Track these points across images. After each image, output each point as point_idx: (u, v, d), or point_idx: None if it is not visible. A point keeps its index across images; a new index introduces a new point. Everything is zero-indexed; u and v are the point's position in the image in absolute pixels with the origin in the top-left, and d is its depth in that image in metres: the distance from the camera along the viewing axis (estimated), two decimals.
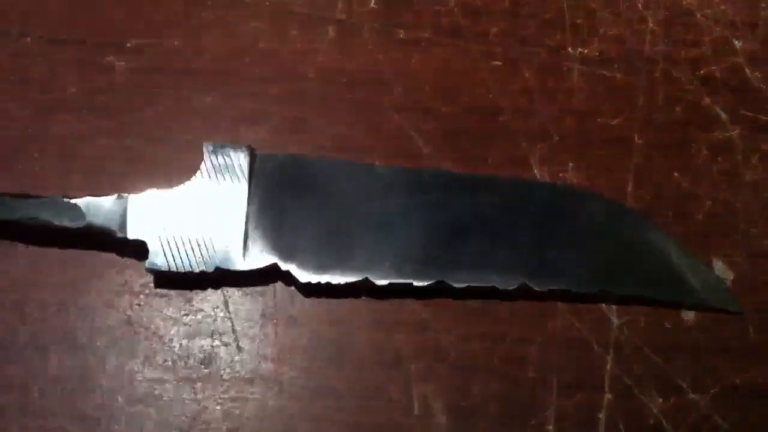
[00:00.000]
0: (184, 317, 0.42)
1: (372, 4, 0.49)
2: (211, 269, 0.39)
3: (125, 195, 0.40)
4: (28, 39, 0.46)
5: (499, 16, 0.49)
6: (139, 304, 0.42)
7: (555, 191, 0.44)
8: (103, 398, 0.41)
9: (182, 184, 0.40)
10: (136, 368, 0.42)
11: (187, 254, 0.39)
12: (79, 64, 0.46)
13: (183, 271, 0.39)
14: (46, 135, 0.45)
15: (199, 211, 0.40)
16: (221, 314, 0.42)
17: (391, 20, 0.49)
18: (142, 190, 0.41)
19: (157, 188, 0.40)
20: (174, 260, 0.39)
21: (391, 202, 0.42)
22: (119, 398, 0.41)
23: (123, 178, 0.43)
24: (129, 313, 0.42)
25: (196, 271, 0.39)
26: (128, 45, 0.46)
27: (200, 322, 0.42)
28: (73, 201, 0.40)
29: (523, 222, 0.43)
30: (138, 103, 0.46)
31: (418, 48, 0.47)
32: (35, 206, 0.40)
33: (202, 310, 0.43)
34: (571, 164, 0.46)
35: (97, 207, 0.40)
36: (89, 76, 0.46)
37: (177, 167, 0.43)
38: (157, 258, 0.39)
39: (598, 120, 0.47)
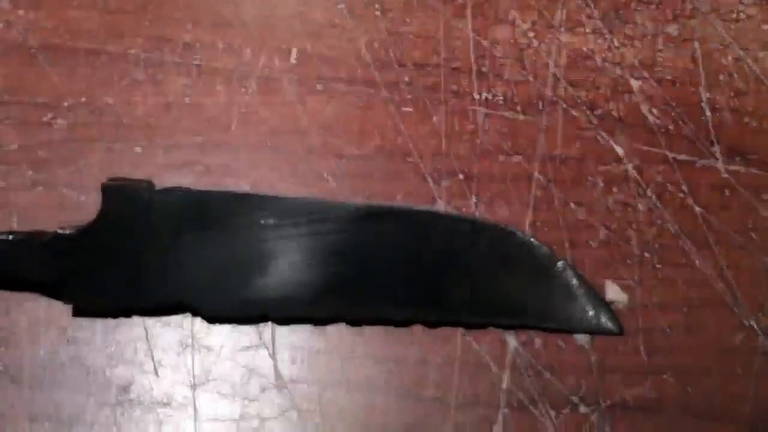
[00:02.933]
0: (107, 348, 0.46)
1: (292, 59, 0.53)
2: (120, 307, 0.44)
3: (36, 234, 0.45)
4: None
5: (410, 67, 0.53)
6: (66, 336, 0.46)
7: (452, 222, 0.48)
8: (32, 424, 0.45)
9: (89, 223, 0.43)
10: (62, 397, 0.46)
11: (97, 292, 0.43)
12: (20, 123, 0.51)
13: (94, 309, 0.44)
14: None
15: (106, 248, 0.43)
16: (142, 346, 0.47)
17: (310, 74, 0.53)
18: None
19: (63, 228, 0.43)
20: (86, 299, 0.44)
21: (288, 233, 0.45)
22: (46, 424, 0.45)
23: (53, 226, 0.47)
24: (56, 349, 0.47)
25: (106, 309, 0.44)
26: (65, 104, 0.51)
27: (122, 353, 0.46)
28: None
29: (418, 254, 0.46)
30: (72, 155, 0.50)
31: (333, 97, 0.53)
32: None
33: (123, 341, 0.46)
34: (473, 199, 0.51)
35: (11, 247, 0.44)
36: (30, 134, 0.51)
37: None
38: (71, 295, 0.44)
39: (501, 158, 0.52)
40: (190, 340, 0.47)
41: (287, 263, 0.45)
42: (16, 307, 0.48)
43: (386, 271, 0.46)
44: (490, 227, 0.49)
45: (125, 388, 0.46)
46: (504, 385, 0.44)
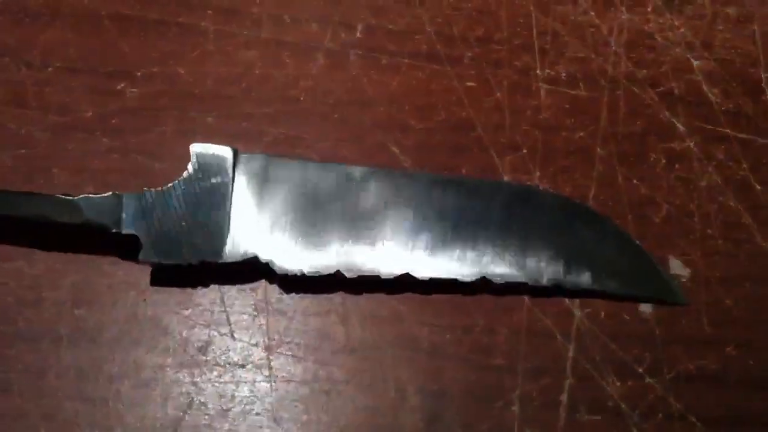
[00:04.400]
0: (184, 311, 0.48)
1: (358, 34, 0.55)
2: (196, 262, 0.45)
3: (120, 194, 0.47)
4: (50, 69, 0.54)
5: (473, 43, 0.55)
6: (144, 300, 0.48)
7: (518, 191, 0.49)
8: (111, 383, 0.47)
9: (171, 184, 0.45)
10: (140, 356, 0.47)
11: (174, 248, 0.45)
12: (93, 90, 0.53)
13: (171, 263, 0.45)
14: (65, 152, 0.51)
15: (186, 208, 0.45)
16: (218, 309, 0.49)
17: (375, 48, 0.55)
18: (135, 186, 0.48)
19: (148, 188, 0.46)
20: (163, 253, 0.45)
21: (362, 200, 0.47)
22: (125, 382, 0.47)
23: (126, 190, 0.49)
24: (134, 309, 0.49)
25: (184, 264, 0.45)
26: (138, 74, 0.53)
27: (199, 315, 0.48)
28: (72, 199, 0.47)
29: (485, 220, 0.48)
30: (145, 124, 0.52)
31: (398, 72, 0.54)
32: (37, 202, 0.45)
33: (200, 304, 0.49)
34: (537, 173, 0.51)
35: (94, 204, 0.47)
36: (103, 101, 0.53)
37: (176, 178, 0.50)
38: (148, 251, 0.45)
39: (563, 134, 0.52)
40: (264, 305, 0.49)
41: (362, 227, 0.47)
42: (96, 270, 0.49)
43: (451, 236, 0.48)
44: (556, 198, 0.50)
45: (203, 350, 0.48)
46: (570, 355, 0.45)
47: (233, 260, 0.45)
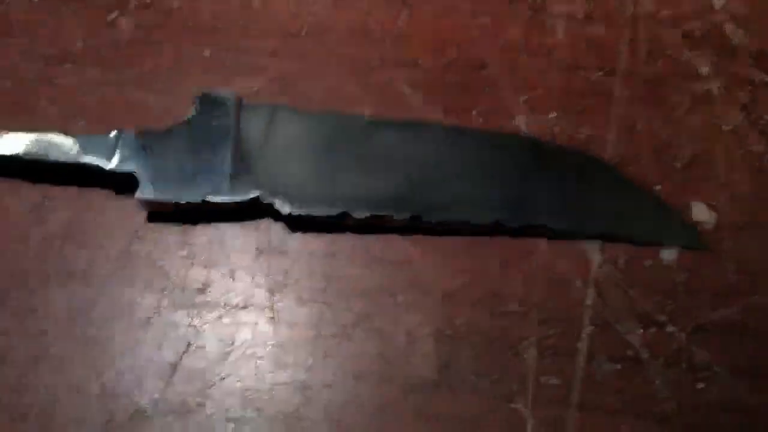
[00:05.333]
0: (181, 250, 0.46)
1: None
2: (197, 200, 0.44)
3: (117, 131, 0.46)
4: (41, 1, 0.52)
5: None
6: (139, 237, 0.46)
7: (531, 143, 0.49)
8: (104, 324, 0.45)
9: (173, 125, 0.45)
10: (134, 296, 0.45)
11: (174, 186, 0.44)
12: (85, 20, 0.51)
13: (171, 201, 0.44)
14: (54, 85, 0.49)
15: (187, 148, 0.45)
16: (217, 247, 0.47)
17: None
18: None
19: (147, 127, 0.45)
20: (162, 191, 0.44)
21: (372, 147, 0.47)
22: (119, 324, 0.45)
23: (122, 125, 0.48)
24: (129, 246, 0.47)
25: (183, 202, 0.44)
26: (130, 5, 0.51)
27: (197, 254, 0.47)
28: (68, 136, 0.46)
29: (498, 169, 0.48)
30: (139, 57, 0.51)
31: (407, 5, 0.52)
32: (32, 141, 0.45)
33: (198, 243, 0.47)
34: (553, 114, 0.50)
35: (91, 142, 0.46)
36: (95, 32, 0.51)
37: (174, 115, 0.47)
38: (146, 189, 0.44)
39: (581, 73, 0.51)
40: (267, 244, 0.47)
41: (368, 173, 0.47)
42: (88, 205, 0.48)
43: (463, 180, 0.47)
44: (573, 150, 0.49)
45: (202, 290, 0.46)
46: (588, 302, 0.44)
47: (235, 199, 0.45)
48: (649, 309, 0.47)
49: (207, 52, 0.52)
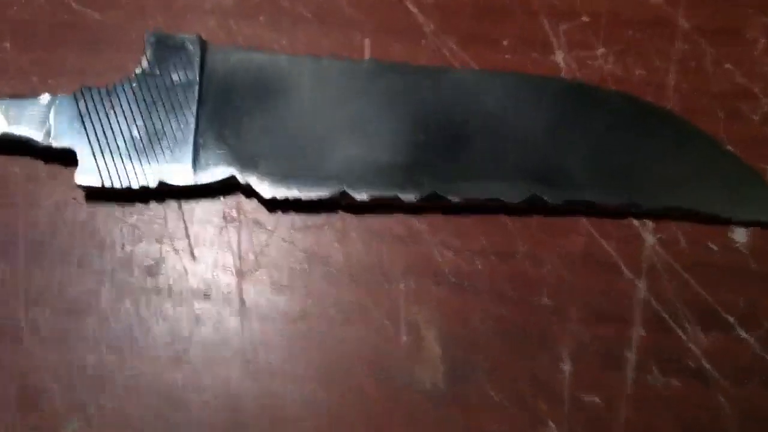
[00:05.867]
0: (129, 218, 0.38)
1: None
2: (154, 184, 0.36)
3: (50, 96, 0.37)
4: None
5: None
6: (74, 198, 0.38)
7: (571, 88, 0.40)
8: (27, 309, 0.36)
9: (119, 82, 0.37)
10: (67, 276, 0.37)
11: (124, 166, 0.36)
12: None
13: (120, 187, 0.36)
14: None
15: (139, 114, 0.37)
16: (173, 215, 0.39)
17: None
18: (71, 87, 0.37)
19: (88, 87, 0.37)
20: (109, 173, 0.36)
21: (370, 99, 0.38)
22: (46, 310, 0.37)
23: (57, 48, 0.40)
24: (61, 211, 0.38)
25: (136, 186, 0.36)
26: None
27: (147, 224, 0.38)
28: None
29: (532, 123, 0.39)
30: None
31: None
32: None
33: (149, 209, 0.39)
34: (601, 50, 0.42)
35: (18, 110, 0.37)
36: None
37: (119, 38, 0.40)
38: (88, 171, 0.36)
39: None
40: (235, 214, 0.38)
41: (369, 135, 0.38)
42: (11, 159, 0.38)
43: (491, 142, 0.39)
44: (619, 96, 0.41)
45: (151, 271, 0.37)
46: (640, 295, 0.38)
47: (202, 182, 0.37)
48: (714, 306, 0.38)
49: None
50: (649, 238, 0.39)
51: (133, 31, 0.40)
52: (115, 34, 0.41)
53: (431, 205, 0.38)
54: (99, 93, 0.37)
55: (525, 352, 0.37)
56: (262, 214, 0.39)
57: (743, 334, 0.38)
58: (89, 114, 0.36)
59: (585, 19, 0.42)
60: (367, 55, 0.41)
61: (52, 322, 0.37)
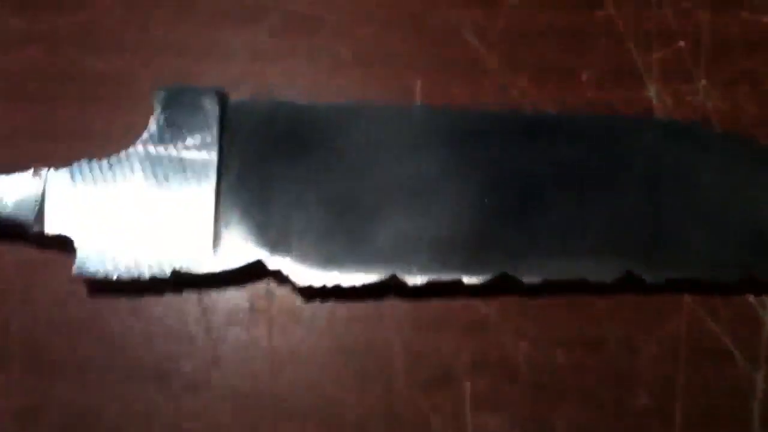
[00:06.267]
0: (139, 314, 0.33)
1: None
2: (167, 273, 0.31)
3: (42, 170, 0.31)
4: None
5: None
6: (75, 293, 0.33)
7: (672, 131, 0.34)
8: (25, 426, 0.32)
9: (123, 150, 0.32)
10: (69, 387, 0.32)
11: (132, 253, 0.31)
12: None
13: (127, 278, 0.31)
14: None
15: (149, 189, 0.32)
16: (191, 308, 0.33)
17: None
18: (67, 157, 0.32)
19: (88, 156, 0.32)
20: (113, 263, 0.31)
21: (423, 156, 0.33)
22: (44, 427, 0.32)
23: (53, 104, 0.34)
24: (60, 307, 0.33)
25: (145, 277, 0.31)
26: None
27: (161, 321, 0.33)
28: None
29: (623, 179, 0.33)
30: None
31: None
32: None
33: (163, 303, 0.33)
34: (703, 82, 0.36)
35: (4, 187, 0.31)
36: None
37: (127, 91, 0.35)
38: (88, 261, 0.31)
39: (744, 14, 0.36)
40: (265, 304, 0.33)
41: (420, 200, 0.32)
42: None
43: (574, 208, 0.33)
44: (726, 137, 0.34)
45: (167, 379, 0.33)
46: (759, 391, 0.32)
47: (224, 268, 0.31)
48: None
49: None
50: None
51: (143, 81, 0.35)
52: (120, 86, 0.35)
53: (501, 287, 0.32)
54: (100, 166, 0.32)
55: None
56: (298, 303, 0.33)
57: None
58: (89, 191, 0.31)
59: (682, 43, 0.36)
60: (418, 99, 0.34)
61: None
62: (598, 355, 0.33)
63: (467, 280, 0.32)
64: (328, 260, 0.32)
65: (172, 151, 0.32)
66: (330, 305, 0.33)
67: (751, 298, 0.34)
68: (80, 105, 0.35)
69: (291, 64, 0.36)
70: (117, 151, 0.32)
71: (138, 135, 0.32)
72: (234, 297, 0.33)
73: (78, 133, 0.35)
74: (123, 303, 0.33)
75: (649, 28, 0.36)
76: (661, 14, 0.37)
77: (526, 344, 0.33)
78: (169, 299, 0.33)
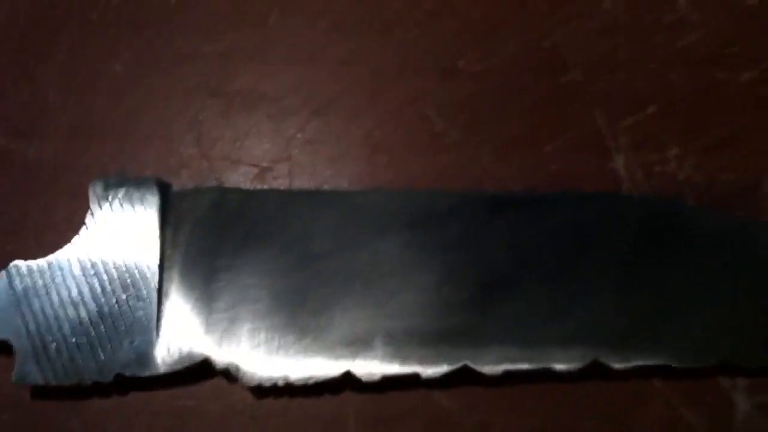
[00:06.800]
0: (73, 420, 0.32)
1: None
2: (108, 378, 0.31)
3: None
4: None
5: None
6: (12, 404, 0.33)
7: (643, 208, 0.33)
8: None
9: (60, 249, 0.32)
10: None
11: (72, 358, 0.31)
12: None
13: (66, 384, 0.31)
14: None
15: (88, 290, 0.31)
16: (136, 410, 0.32)
17: None
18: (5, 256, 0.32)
19: (25, 252, 0.32)
20: (54, 368, 0.31)
21: (378, 241, 0.32)
22: None
23: None
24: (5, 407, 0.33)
25: (88, 382, 0.31)
26: None
27: (107, 422, 0.32)
28: None
29: (589, 261, 0.32)
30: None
31: None
32: None
33: (108, 405, 0.32)
34: (675, 150, 0.34)
35: None
36: None
37: (65, 181, 0.35)
38: (28, 367, 0.31)
39: (720, 75, 0.35)
40: (214, 406, 0.32)
41: (374, 289, 0.32)
42: None
43: (537, 294, 0.32)
44: (700, 212, 0.33)
45: None
46: None
47: (168, 369, 0.31)
48: None
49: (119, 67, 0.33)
50: (742, 402, 0.32)
51: (82, 170, 0.34)
52: (55, 175, 0.35)
53: (461, 375, 0.32)
54: (38, 267, 0.31)
55: None
56: (250, 402, 0.32)
57: None
58: (27, 296, 0.31)
59: (652, 110, 0.35)
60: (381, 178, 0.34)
61: None
62: None
63: (425, 373, 0.31)
64: (279, 356, 0.32)
65: (111, 248, 0.32)
66: (284, 402, 0.33)
67: (722, 380, 0.33)
68: (11, 199, 0.35)
69: (240, 146, 0.35)
70: (57, 244, 0.32)
71: (77, 226, 0.32)
72: (182, 396, 0.33)
73: (10, 231, 0.34)
74: (66, 406, 0.32)
75: (617, 93, 0.35)
76: (630, 77, 0.35)
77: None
78: (116, 400, 0.33)
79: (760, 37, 0.36)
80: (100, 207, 0.32)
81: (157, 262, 0.32)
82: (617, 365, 0.32)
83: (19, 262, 0.32)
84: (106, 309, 0.31)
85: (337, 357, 0.31)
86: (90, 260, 0.32)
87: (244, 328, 0.32)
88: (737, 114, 0.35)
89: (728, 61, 0.36)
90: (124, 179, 0.33)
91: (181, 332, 0.31)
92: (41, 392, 0.32)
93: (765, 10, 0.36)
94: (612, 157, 0.35)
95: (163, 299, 0.32)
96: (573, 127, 0.35)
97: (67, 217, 0.33)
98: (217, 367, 0.31)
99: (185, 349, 0.31)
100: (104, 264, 0.32)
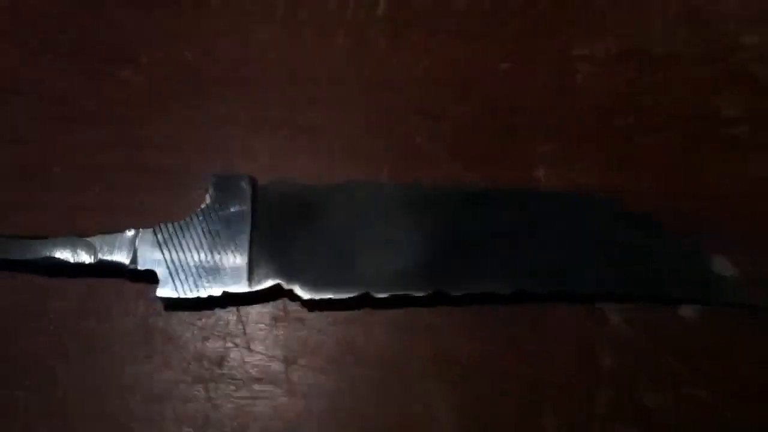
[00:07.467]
0: (198, 321, 0.49)
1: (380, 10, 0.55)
2: (218, 293, 0.45)
3: (134, 230, 0.46)
4: (49, 55, 0.53)
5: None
6: (155, 309, 0.48)
7: (553, 199, 0.50)
8: (122, 399, 0.47)
9: (188, 216, 0.46)
10: (153, 370, 0.47)
11: (194, 281, 0.46)
12: (95, 77, 0.53)
13: (191, 297, 0.45)
14: (64, 149, 0.51)
15: (205, 240, 0.46)
16: (233, 318, 0.48)
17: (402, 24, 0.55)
18: (151, 221, 0.47)
19: (164, 222, 0.47)
20: (183, 287, 0.45)
21: (390, 220, 0.48)
22: (137, 398, 0.48)
23: (137, 189, 0.50)
24: (146, 319, 0.48)
25: (204, 296, 0.45)
26: (143, 60, 0.53)
27: (213, 326, 0.48)
28: (86, 239, 0.47)
29: (521, 233, 0.49)
30: (152, 114, 0.52)
31: (428, 51, 0.54)
32: (50, 246, 0.46)
33: (214, 314, 0.48)
34: (580, 164, 0.51)
35: (109, 243, 0.47)
36: (106, 90, 0.53)
37: (186, 178, 0.50)
38: (167, 286, 0.45)
39: (610, 120, 0.53)
40: (282, 314, 0.49)
41: (387, 246, 0.48)
42: (103, 279, 0.49)
43: (486, 250, 0.48)
44: (587, 198, 0.50)
45: (218, 362, 0.48)
46: (606, 364, 0.47)
47: (256, 289, 0.46)
48: (671, 371, 0.48)
49: (222, 109, 0.52)
50: (615, 317, 0.49)
51: (198, 173, 0.50)
52: (181, 176, 0.50)
53: (439, 297, 0.47)
54: (173, 225, 0.47)
55: (520, 416, 0.48)
56: (304, 313, 0.48)
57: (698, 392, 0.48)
58: (166, 243, 0.46)
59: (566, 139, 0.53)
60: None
61: (142, 409, 0.47)
62: (506, 347, 0.49)
63: (415, 293, 0.48)
64: (324, 284, 0.47)
65: (221, 216, 0.47)
66: (325, 314, 0.48)
67: (602, 306, 0.50)
68: (156, 190, 0.52)
69: (299, 159, 0.52)
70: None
71: (194, 210, 0.47)
72: (261, 310, 0.49)
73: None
74: (188, 315, 0.50)
75: (540, 131, 0.55)
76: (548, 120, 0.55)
77: (461, 339, 0.49)
78: (219, 311, 0.49)
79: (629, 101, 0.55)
80: (214, 190, 0.47)
81: (249, 225, 0.47)
82: (535, 291, 0.48)
83: (161, 223, 0.46)
84: (217, 251, 0.47)
85: (361, 284, 0.47)
86: (207, 222, 0.47)
87: (303, 268, 0.47)
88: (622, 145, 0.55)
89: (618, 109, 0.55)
90: (227, 175, 0.48)
91: (263, 269, 0.46)
92: (171, 305, 0.47)
93: None
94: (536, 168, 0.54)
95: (253, 248, 0.47)
96: (512, 150, 0.55)
97: (193, 203, 0.48)
98: (285, 289, 0.47)
99: (265, 278, 0.47)
100: (216, 224, 0.47)
